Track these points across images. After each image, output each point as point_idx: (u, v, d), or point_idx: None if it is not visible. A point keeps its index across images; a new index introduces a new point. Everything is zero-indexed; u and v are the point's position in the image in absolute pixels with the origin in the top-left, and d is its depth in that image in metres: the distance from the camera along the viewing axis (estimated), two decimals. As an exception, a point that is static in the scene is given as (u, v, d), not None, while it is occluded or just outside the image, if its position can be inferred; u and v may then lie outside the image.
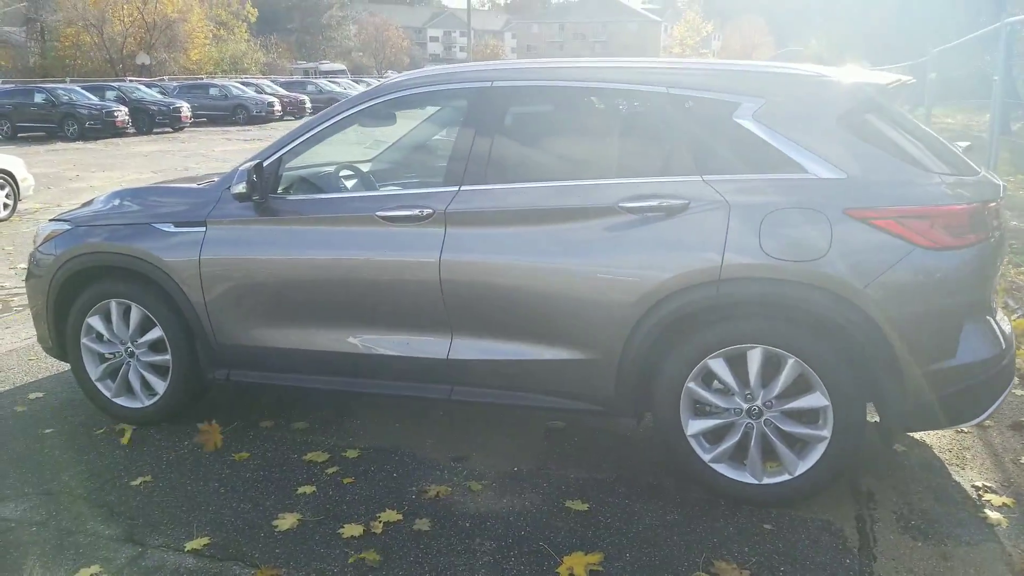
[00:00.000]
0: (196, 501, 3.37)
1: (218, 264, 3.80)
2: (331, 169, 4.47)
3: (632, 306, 3.20)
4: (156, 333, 3.98)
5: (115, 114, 26.10)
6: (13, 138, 25.45)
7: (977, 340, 3.05)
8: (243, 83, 37.21)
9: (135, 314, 4.00)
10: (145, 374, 4.07)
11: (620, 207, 3.23)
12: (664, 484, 3.44)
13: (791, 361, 3.07)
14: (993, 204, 3.11)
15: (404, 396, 3.73)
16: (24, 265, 7.83)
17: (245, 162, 3.75)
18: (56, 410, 4.35)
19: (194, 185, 4.22)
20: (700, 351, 3.18)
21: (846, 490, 3.34)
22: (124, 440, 3.92)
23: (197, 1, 55.03)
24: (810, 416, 3.16)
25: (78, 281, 4.09)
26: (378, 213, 3.58)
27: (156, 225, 3.93)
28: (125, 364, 4.09)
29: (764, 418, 3.17)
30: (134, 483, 3.52)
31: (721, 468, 3.26)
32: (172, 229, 3.90)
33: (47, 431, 4.08)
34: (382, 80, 4.56)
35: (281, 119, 33.91)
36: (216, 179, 4.03)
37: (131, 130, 27.25)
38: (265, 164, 3.72)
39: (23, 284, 7.09)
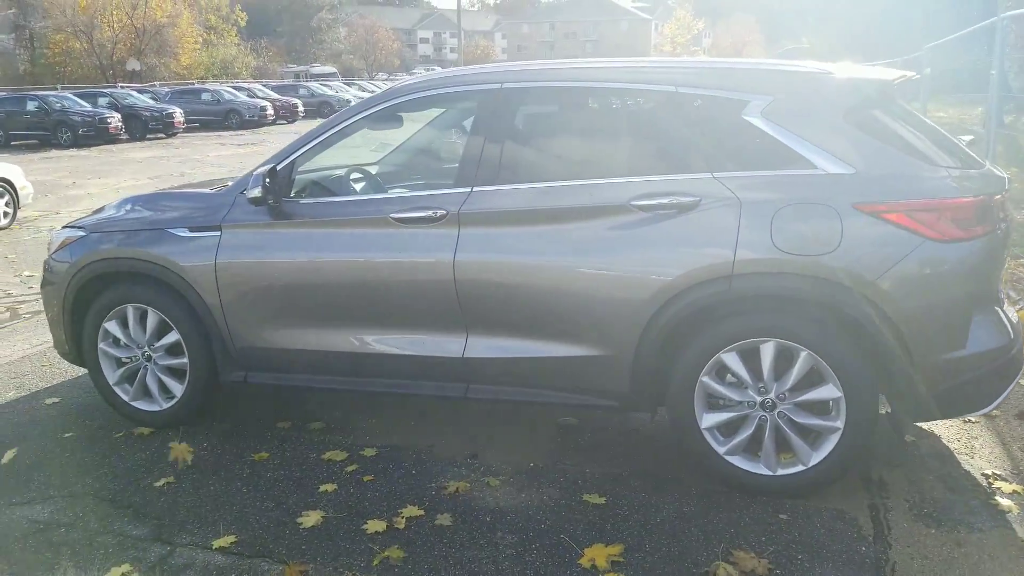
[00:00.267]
0: (220, 500, 3.42)
1: (234, 267, 3.84)
2: (342, 172, 4.52)
3: (646, 303, 3.25)
4: (173, 337, 4.02)
5: (108, 120, 25.94)
6: (7, 146, 25.35)
7: (986, 330, 3.11)
8: (235, 87, 37.13)
9: (152, 318, 4.04)
10: (162, 377, 4.12)
11: (632, 205, 3.28)
12: (679, 477, 3.49)
13: (804, 354, 3.13)
14: (999, 196, 3.18)
15: (420, 395, 3.77)
16: (28, 272, 7.90)
17: (259, 166, 3.80)
18: (74, 414, 4.39)
19: (207, 190, 4.26)
20: (714, 346, 3.23)
21: (858, 480, 3.40)
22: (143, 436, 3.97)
23: (186, 6, 54.99)
24: (823, 408, 3.22)
25: (94, 287, 4.13)
26: (392, 215, 3.63)
27: (171, 230, 3.97)
28: (142, 368, 4.13)
29: (778, 410, 3.23)
30: (157, 484, 3.57)
31: (736, 460, 3.31)
32: (187, 234, 3.94)
33: (67, 435, 4.12)
34: (392, 83, 4.61)
35: (274, 123, 33.90)
36: (230, 183, 4.08)
37: (124, 136, 27.14)
38: (279, 168, 3.76)
39: (29, 291, 7.19)
